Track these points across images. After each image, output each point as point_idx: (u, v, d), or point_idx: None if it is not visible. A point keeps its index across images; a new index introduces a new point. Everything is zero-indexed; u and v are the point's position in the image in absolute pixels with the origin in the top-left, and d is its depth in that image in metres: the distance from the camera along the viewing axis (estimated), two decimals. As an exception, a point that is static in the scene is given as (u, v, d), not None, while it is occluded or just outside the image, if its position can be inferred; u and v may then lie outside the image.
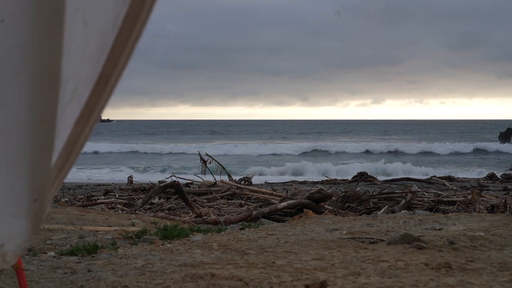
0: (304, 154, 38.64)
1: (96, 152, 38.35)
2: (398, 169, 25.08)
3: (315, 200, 9.46)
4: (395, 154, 37.18)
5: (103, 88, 1.43)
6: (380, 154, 37.24)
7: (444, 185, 15.23)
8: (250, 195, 11.49)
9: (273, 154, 37.61)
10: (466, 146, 40.63)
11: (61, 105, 1.30)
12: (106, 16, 1.33)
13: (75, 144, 1.54)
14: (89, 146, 40.10)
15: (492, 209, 9.28)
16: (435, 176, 18.12)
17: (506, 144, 43.27)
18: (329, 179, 17.46)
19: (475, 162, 32.21)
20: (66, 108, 1.38)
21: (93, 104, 1.46)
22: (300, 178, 19.97)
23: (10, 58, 1.17)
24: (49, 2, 1.12)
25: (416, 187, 11.86)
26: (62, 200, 10.48)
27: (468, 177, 20.44)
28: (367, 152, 38.94)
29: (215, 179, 13.12)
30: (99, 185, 16.77)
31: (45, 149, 1.35)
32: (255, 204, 10.56)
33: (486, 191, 13.06)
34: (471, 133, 75.33)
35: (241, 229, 5.83)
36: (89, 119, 1.49)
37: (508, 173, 19.10)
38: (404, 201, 9.97)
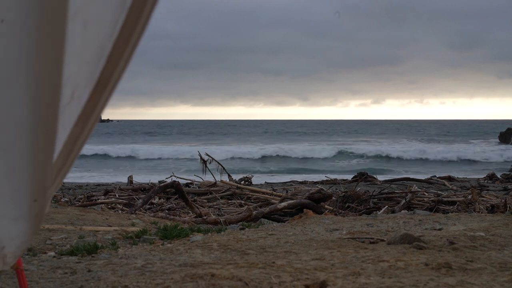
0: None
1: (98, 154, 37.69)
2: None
3: (315, 200, 9.46)
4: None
5: (102, 91, 1.43)
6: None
7: (444, 185, 15.22)
8: (250, 195, 11.49)
9: (278, 156, 37.03)
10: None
11: (61, 106, 1.30)
12: (106, 21, 1.34)
13: (74, 145, 1.54)
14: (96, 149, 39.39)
15: (492, 209, 9.28)
16: (435, 176, 18.10)
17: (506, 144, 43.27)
18: (329, 179, 17.46)
19: (474, 162, 32.15)
20: (65, 109, 1.38)
21: (92, 106, 1.47)
22: (300, 178, 19.94)
23: (11, 59, 1.17)
24: (51, 5, 1.11)
25: (416, 187, 11.87)
26: (62, 200, 10.48)
27: (468, 177, 20.41)
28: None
29: (215, 179, 13.12)
30: (99, 185, 16.76)
31: (47, 151, 1.35)
32: (255, 204, 10.56)
33: (486, 191, 13.05)
34: (471, 133, 75.27)
35: (241, 229, 5.83)
36: (88, 120, 1.50)
37: (508, 173, 19.08)
38: (404, 201, 9.97)
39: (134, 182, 14.43)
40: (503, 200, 9.62)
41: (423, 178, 17.14)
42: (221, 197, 11.42)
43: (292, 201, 9.36)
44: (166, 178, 13.85)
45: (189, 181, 13.91)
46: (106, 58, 1.38)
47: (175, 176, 13.21)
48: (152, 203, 10.42)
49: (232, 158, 35.70)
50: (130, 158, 36.78)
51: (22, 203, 1.47)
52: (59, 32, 1.14)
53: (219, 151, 36.17)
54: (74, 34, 1.24)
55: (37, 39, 1.14)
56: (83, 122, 1.49)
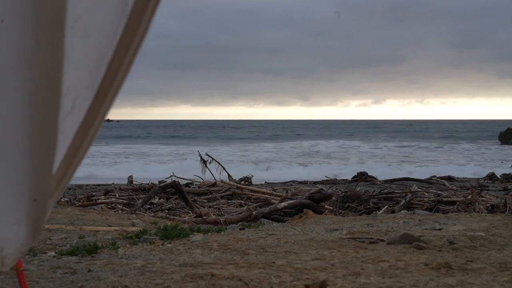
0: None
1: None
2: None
3: (315, 200, 9.46)
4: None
5: (103, 99, 1.41)
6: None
7: (444, 185, 15.22)
8: (250, 195, 11.49)
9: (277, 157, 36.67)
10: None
11: (61, 116, 1.29)
12: (106, 27, 1.32)
13: (74, 156, 1.53)
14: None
15: (492, 209, 9.28)
16: (435, 176, 18.10)
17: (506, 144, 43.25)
18: (329, 179, 17.46)
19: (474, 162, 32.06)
20: (66, 119, 1.37)
21: (93, 115, 1.44)
22: (300, 178, 19.92)
23: (10, 67, 1.15)
24: (49, 13, 1.10)
25: (416, 187, 11.87)
26: (62, 200, 10.47)
27: (468, 177, 20.40)
28: None
29: (215, 179, 13.12)
30: (99, 185, 16.75)
31: (46, 159, 1.35)
32: (255, 204, 10.56)
33: (486, 191, 13.05)
34: (471, 133, 75.17)
35: (241, 229, 5.83)
36: (89, 130, 1.48)
37: (508, 173, 19.08)
38: (404, 201, 9.97)
39: (134, 182, 14.43)
40: (503, 200, 9.63)
41: (423, 178, 17.14)
42: (221, 197, 11.42)
43: (292, 201, 9.36)
44: (166, 178, 13.84)
45: (189, 181, 13.90)
46: (107, 65, 1.36)
47: (175, 176, 13.20)
48: (152, 203, 10.42)
49: (232, 158, 35.65)
50: (129, 158, 36.71)
51: (22, 205, 1.46)
52: (57, 37, 1.13)
53: (219, 151, 36.13)
54: (75, 42, 1.22)
55: (35, 44, 1.12)
56: (84, 132, 1.48)
